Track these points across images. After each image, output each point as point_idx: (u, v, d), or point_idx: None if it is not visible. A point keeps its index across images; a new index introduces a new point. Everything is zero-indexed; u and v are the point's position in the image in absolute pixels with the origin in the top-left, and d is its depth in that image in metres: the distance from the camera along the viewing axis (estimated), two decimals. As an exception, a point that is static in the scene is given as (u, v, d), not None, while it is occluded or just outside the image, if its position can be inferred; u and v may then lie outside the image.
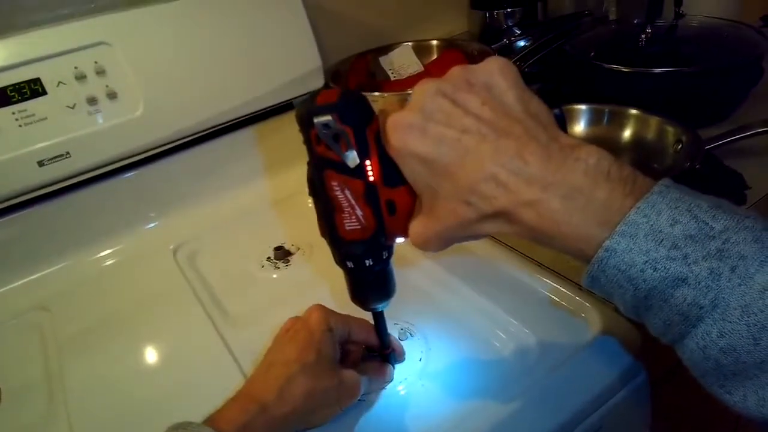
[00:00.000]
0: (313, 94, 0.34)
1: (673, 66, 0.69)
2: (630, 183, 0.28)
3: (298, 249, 0.66)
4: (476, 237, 0.33)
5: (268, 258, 0.65)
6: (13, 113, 0.60)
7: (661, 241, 0.27)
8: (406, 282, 0.51)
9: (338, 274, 0.40)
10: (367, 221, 0.35)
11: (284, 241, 0.67)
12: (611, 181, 0.28)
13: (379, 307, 0.43)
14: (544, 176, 0.29)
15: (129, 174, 0.71)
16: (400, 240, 0.37)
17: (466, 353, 0.49)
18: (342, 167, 0.33)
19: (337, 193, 0.34)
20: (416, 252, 0.59)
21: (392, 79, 0.92)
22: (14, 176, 0.62)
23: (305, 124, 0.33)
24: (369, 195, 0.34)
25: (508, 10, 1.00)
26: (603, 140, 0.68)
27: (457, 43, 0.94)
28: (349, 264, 0.38)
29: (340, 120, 0.32)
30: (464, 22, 1.09)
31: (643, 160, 0.65)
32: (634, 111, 0.67)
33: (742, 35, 0.75)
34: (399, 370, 0.48)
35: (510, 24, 1.01)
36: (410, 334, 0.51)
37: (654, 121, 0.65)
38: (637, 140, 0.67)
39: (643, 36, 0.80)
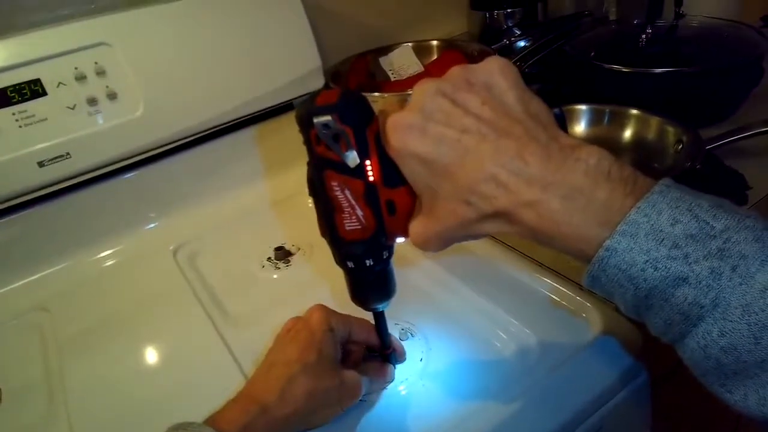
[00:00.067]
0: (312, 95, 0.34)
1: (674, 66, 0.69)
2: (630, 183, 0.28)
3: (299, 249, 0.66)
4: (476, 237, 0.33)
5: (269, 258, 0.65)
6: (14, 114, 0.60)
7: (662, 241, 0.27)
8: (406, 282, 0.51)
9: (339, 274, 0.40)
10: (367, 221, 0.35)
11: (285, 241, 0.67)
12: (612, 181, 0.28)
13: (380, 307, 0.43)
14: (544, 176, 0.29)
15: (129, 174, 0.71)
16: (400, 240, 0.37)
17: (467, 353, 0.49)
18: (342, 167, 0.33)
19: (337, 193, 0.34)
20: (417, 252, 0.59)
21: (392, 79, 0.92)
22: (14, 177, 0.62)
23: (305, 125, 0.33)
24: (369, 195, 0.34)
25: (508, 10, 1.00)
26: (603, 140, 0.68)
27: (457, 43, 0.94)
28: (350, 264, 0.38)
29: (340, 120, 0.32)
30: (464, 23, 1.09)
31: (644, 161, 0.65)
32: (634, 111, 0.67)
33: (743, 35, 0.75)
34: (400, 371, 0.48)
35: (510, 24, 1.01)
36: (411, 334, 0.51)
37: (654, 122, 0.65)
38: (637, 140, 0.67)
39: (644, 36, 0.80)
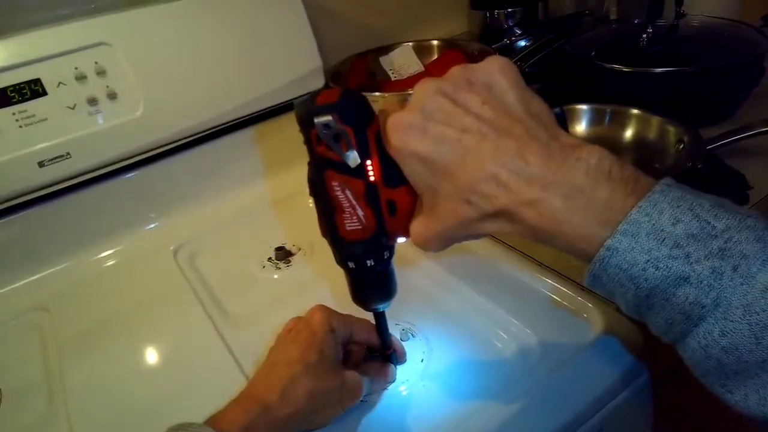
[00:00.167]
0: (313, 95, 0.34)
1: (674, 66, 0.69)
2: (632, 182, 0.28)
3: (299, 249, 0.66)
4: (477, 237, 0.33)
5: (269, 258, 0.65)
6: (14, 114, 0.60)
7: (663, 240, 0.27)
8: (407, 282, 0.51)
9: (339, 274, 0.40)
10: (368, 221, 0.35)
11: (285, 241, 0.67)
12: (613, 180, 0.28)
13: (381, 307, 0.43)
14: (544, 176, 0.29)
15: (129, 174, 0.71)
16: (401, 240, 0.37)
17: (468, 354, 0.49)
18: (342, 167, 0.33)
19: (338, 193, 0.34)
20: (417, 252, 0.59)
21: (393, 79, 0.92)
22: (15, 177, 0.62)
23: (306, 124, 0.33)
24: (370, 195, 0.34)
25: (509, 10, 1.00)
26: (604, 140, 0.68)
27: (457, 43, 0.94)
28: (351, 264, 0.38)
29: (340, 120, 0.32)
30: (464, 22, 1.09)
31: (645, 160, 0.65)
32: (635, 111, 0.67)
33: (743, 35, 0.75)
34: (401, 371, 0.48)
35: (510, 24, 1.01)
36: (412, 334, 0.51)
37: (655, 121, 0.65)
38: (638, 140, 0.67)
39: (644, 36, 0.80)
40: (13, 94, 0.60)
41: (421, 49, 0.94)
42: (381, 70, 0.92)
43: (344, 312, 0.46)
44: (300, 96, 0.79)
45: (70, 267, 0.67)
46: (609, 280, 0.29)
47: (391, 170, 0.33)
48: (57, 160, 0.63)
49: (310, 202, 0.37)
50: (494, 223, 0.31)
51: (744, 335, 0.25)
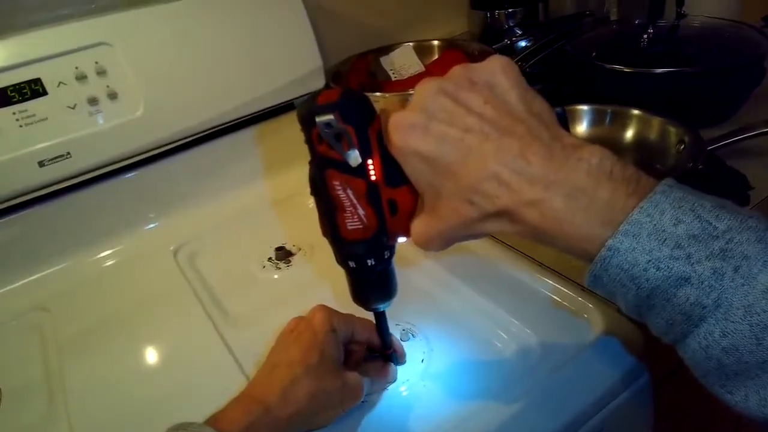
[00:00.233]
0: (314, 94, 0.34)
1: (675, 66, 0.69)
2: (633, 183, 0.28)
3: (300, 249, 0.66)
4: (478, 236, 0.33)
5: (269, 258, 0.65)
6: (14, 113, 0.60)
7: (665, 241, 0.27)
8: (407, 283, 0.51)
9: (339, 274, 0.40)
10: (369, 221, 0.35)
11: (285, 241, 0.67)
12: (614, 180, 0.28)
13: (381, 307, 0.43)
14: (546, 175, 0.29)
15: (129, 174, 0.71)
16: (402, 240, 0.37)
17: (468, 354, 0.49)
18: (344, 166, 0.33)
19: (339, 192, 0.34)
20: (418, 252, 0.59)
21: (393, 79, 0.92)
22: (15, 176, 0.62)
23: (307, 124, 0.33)
24: (371, 194, 0.34)
25: (509, 10, 1.00)
26: (605, 141, 0.67)
27: (458, 43, 0.94)
28: (351, 264, 0.38)
29: (341, 119, 0.32)
30: (465, 23, 1.09)
31: (646, 161, 0.65)
32: (636, 111, 0.67)
33: (744, 35, 0.75)
34: (401, 371, 0.48)
35: (511, 24, 1.01)
36: (412, 334, 0.51)
37: (656, 122, 0.65)
38: (639, 141, 0.67)
39: (645, 36, 0.80)
40: (13, 94, 0.60)
41: (422, 50, 0.94)
42: (381, 71, 0.92)
43: (345, 312, 0.46)
44: (300, 96, 0.79)
45: (70, 267, 0.67)
46: (610, 281, 0.29)
47: (393, 170, 0.33)
48: (57, 159, 0.63)
49: (310, 202, 0.37)
50: (495, 223, 0.31)
51: (745, 336, 0.25)
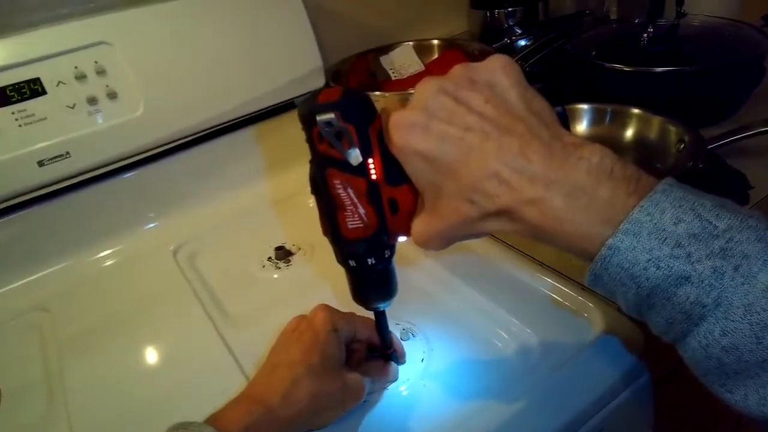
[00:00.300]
0: (315, 93, 0.34)
1: (675, 65, 0.69)
2: (633, 182, 0.28)
3: (299, 249, 0.66)
4: (478, 235, 0.33)
5: (269, 258, 0.65)
6: (13, 113, 0.60)
7: (665, 240, 0.27)
8: (407, 282, 0.51)
9: (339, 274, 0.40)
10: (370, 220, 0.35)
11: (285, 241, 0.67)
12: (614, 179, 0.28)
13: (381, 306, 0.43)
14: (546, 174, 0.29)
15: (129, 174, 0.71)
16: (402, 239, 0.37)
17: (468, 353, 0.49)
18: (344, 165, 0.33)
19: (340, 191, 0.34)
20: (418, 252, 0.59)
21: (393, 78, 0.92)
22: (14, 176, 0.62)
23: (308, 122, 0.33)
24: (371, 193, 0.34)
25: (509, 9, 1.00)
26: (605, 140, 0.67)
27: (457, 42, 0.94)
28: (351, 263, 0.38)
29: (342, 118, 0.32)
30: (465, 22, 1.09)
31: (646, 160, 0.65)
32: (636, 110, 0.67)
33: (744, 34, 0.75)
34: (401, 371, 0.47)
35: (511, 23, 1.01)
36: (412, 334, 0.51)
37: (656, 121, 0.65)
38: (639, 140, 0.67)
39: (645, 35, 0.80)
40: (12, 94, 0.60)
41: (422, 49, 0.94)
42: (381, 70, 0.92)
43: (345, 311, 0.46)
44: (300, 95, 0.79)
45: (70, 267, 0.67)
46: (610, 280, 0.29)
47: (393, 169, 0.33)
48: (56, 159, 0.63)
49: (310, 201, 0.37)
50: (496, 222, 0.31)
51: (745, 335, 0.25)
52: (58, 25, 0.63)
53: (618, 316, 0.47)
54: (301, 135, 0.35)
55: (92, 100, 0.64)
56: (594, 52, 0.81)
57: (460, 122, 0.30)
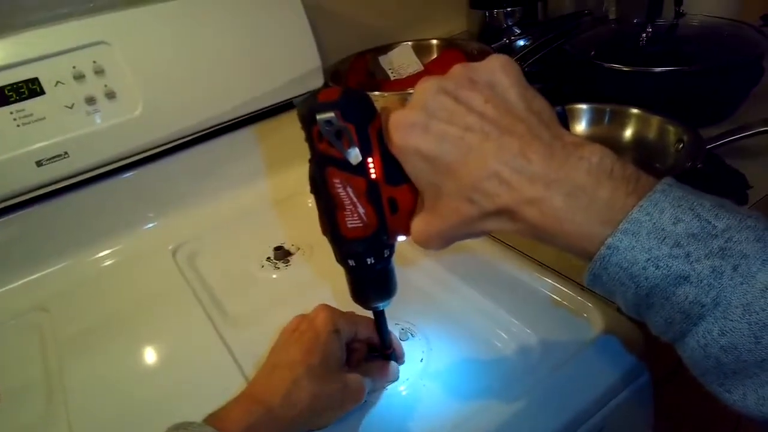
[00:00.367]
0: (314, 92, 0.34)
1: (674, 65, 0.69)
2: (633, 181, 0.28)
3: (298, 249, 0.66)
4: (478, 235, 0.33)
5: (268, 258, 0.65)
6: (11, 113, 0.60)
7: (664, 239, 0.27)
8: (407, 282, 0.51)
9: (338, 274, 0.40)
10: (369, 219, 0.35)
11: (284, 241, 0.67)
12: (614, 179, 0.28)
13: (381, 306, 0.43)
14: (547, 174, 0.29)
15: (128, 174, 0.71)
16: (401, 238, 0.37)
17: (468, 353, 0.49)
18: (344, 164, 0.33)
19: (339, 190, 0.34)
20: (417, 251, 0.59)
21: (392, 78, 0.92)
22: (12, 176, 0.61)
23: (307, 121, 0.33)
24: (371, 193, 0.34)
25: (508, 9, 1.00)
26: (604, 140, 0.67)
27: (456, 42, 0.94)
28: (351, 262, 0.38)
29: (342, 117, 0.32)
30: (463, 22, 1.09)
31: (645, 160, 0.65)
32: (635, 110, 0.67)
33: (743, 34, 0.75)
34: (400, 371, 0.47)
35: (510, 23, 1.01)
36: (411, 334, 0.51)
37: (655, 121, 0.65)
38: (638, 140, 0.67)
39: (644, 35, 0.80)
40: (10, 93, 0.60)
41: (421, 49, 0.94)
42: (380, 70, 0.92)
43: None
44: (299, 95, 0.79)
45: (69, 267, 0.67)
46: (609, 279, 0.29)
47: (393, 168, 0.33)
48: (55, 159, 0.63)
49: (310, 201, 0.37)
50: (496, 222, 0.31)
51: (743, 334, 0.25)
52: (56, 24, 0.63)
53: (618, 316, 0.47)
54: (300, 135, 0.35)
55: (91, 100, 0.64)
56: (593, 52, 0.81)
57: (460, 122, 0.30)
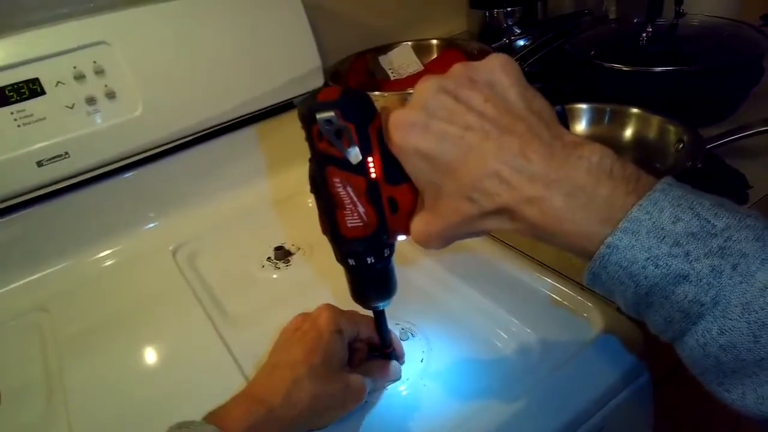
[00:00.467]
0: (315, 92, 0.34)
1: (674, 65, 0.69)
2: (633, 181, 0.28)
3: (299, 249, 0.66)
4: (478, 234, 0.33)
5: (269, 258, 0.65)
6: (12, 113, 0.60)
7: (663, 238, 0.27)
8: (407, 282, 0.51)
9: (339, 274, 0.40)
10: (369, 218, 0.35)
11: (284, 241, 0.67)
12: (614, 179, 0.28)
13: (381, 305, 0.43)
14: (546, 173, 0.29)
15: (128, 174, 0.71)
16: (401, 238, 0.37)
17: (468, 353, 0.49)
18: (344, 164, 0.33)
19: (339, 190, 0.34)
20: (417, 251, 0.59)
21: (392, 78, 0.92)
22: (13, 176, 0.61)
23: (307, 121, 0.33)
24: (371, 192, 0.34)
25: (508, 9, 1.00)
26: (604, 139, 0.67)
27: (456, 42, 0.94)
28: (351, 261, 0.38)
29: (342, 116, 0.32)
30: (464, 22, 1.09)
31: (645, 160, 0.65)
32: (635, 110, 0.67)
33: (743, 34, 0.75)
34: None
35: (510, 23, 1.01)
36: (411, 334, 0.51)
37: (655, 121, 0.65)
38: (638, 139, 0.67)
39: (644, 35, 0.80)
40: (11, 94, 0.60)
41: (421, 49, 0.94)
42: (380, 70, 0.92)
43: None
44: (299, 95, 0.79)
45: (69, 267, 0.67)
46: (609, 278, 0.29)
47: (393, 167, 0.33)
48: (55, 159, 0.63)
49: (310, 201, 0.37)
50: (495, 221, 0.31)
51: (742, 333, 0.25)
52: (57, 25, 0.63)
53: (617, 315, 0.47)
54: (300, 135, 0.35)
55: (91, 100, 0.64)
56: (593, 52, 0.81)
57: (460, 121, 0.30)
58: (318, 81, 0.80)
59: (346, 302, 0.43)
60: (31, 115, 0.61)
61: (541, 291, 0.53)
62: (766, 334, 0.25)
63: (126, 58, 0.66)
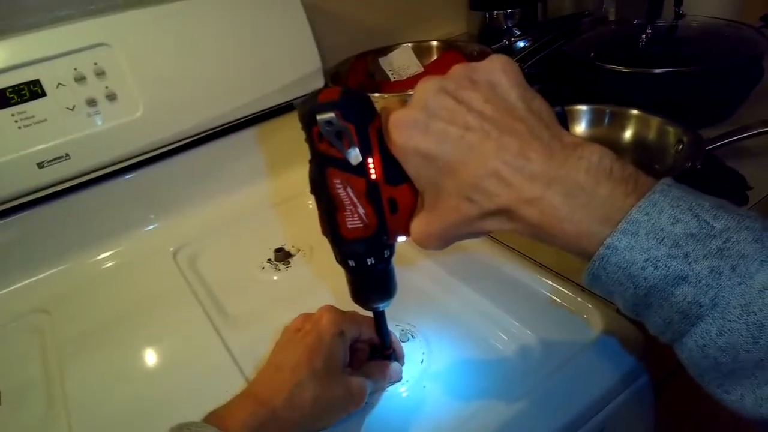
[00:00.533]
0: (315, 93, 0.34)
1: (674, 66, 0.69)
2: (632, 182, 0.28)
3: (299, 251, 0.66)
4: (478, 235, 0.33)
5: (269, 260, 0.65)
6: (13, 115, 0.60)
7: (662, 240, 0.27)
8: (407, 283, 0.51)
9: (339, 275, 0.40)
10: (369, 219, 0.35)
11: (284, 242, 0.67)
12: (613, 179, 0.28)
13: (381, 306, 0.43)
14: (546, 174, 0.29)
15: (129, 176, 0.71)
16: (401, 238, 0.37)
17: (468, 354, 0.49)
18: (344, 165, 0.33)
19: (339, 190, 0.34)
20: (417, 252, 0.59)
21: (392, 80, 0.92)
22: (14, 178, 0.62)
23: (307, 122, 0.33)
24: (371, 193, 0.34)
25: (508, 10, 1.00)
26: (604, 141, 0.67)
27: (456, 44, 0.94)
28: (351, 263, 0.38)
29: (342, 117, 0.32)
30: (463, 23, 1.09)
31: (645, 161, 0.65)
32: (634, 111, 0.67)
33: (742, 35, 0.75)
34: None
35: (509, 25, 1.01)
36: (411, 335, 0.51)
37: (655, 122, 0.65)
38: (638, 141, 0.67)
39: (643, 36, 0.80)
40: (12, 95, 0.60)
41: (421, 50, 0.94)
42: (380, 71, 0.93)
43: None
44: (299, 97, 0.79)
45: (70, 268, 0.67)
46: (608, 279, 0.29)
47: (393, 168, 0.33)
48: (56, 161, 0.63)
49: (310, 203, 0.37)
50: (495, 221, 0.31)
51: (741, 335, 0.25)
52: (57, 26, 0.63)
53: (617, 317, 0.47)
54: (300, 136, 0.35)
55: (92, 102, 0.64)
56: (592, 53, 0.81)
57: (460, 121, 0.30)
58: (318, 82, 0.80)
59: (347, 303, 0.43)
60: (32, 116, 0.61)
61: (540, 292, 0.53)
62: (764, 336, 0.25)
63: (126, 59, 0.66)
